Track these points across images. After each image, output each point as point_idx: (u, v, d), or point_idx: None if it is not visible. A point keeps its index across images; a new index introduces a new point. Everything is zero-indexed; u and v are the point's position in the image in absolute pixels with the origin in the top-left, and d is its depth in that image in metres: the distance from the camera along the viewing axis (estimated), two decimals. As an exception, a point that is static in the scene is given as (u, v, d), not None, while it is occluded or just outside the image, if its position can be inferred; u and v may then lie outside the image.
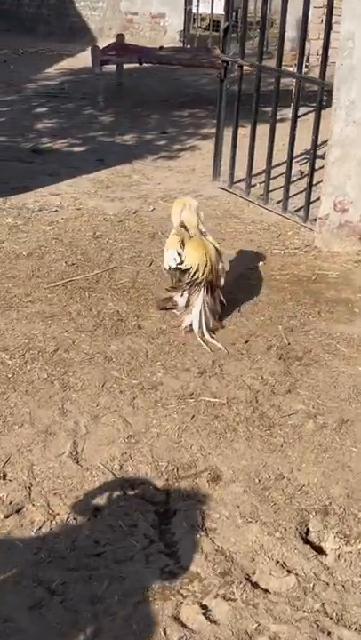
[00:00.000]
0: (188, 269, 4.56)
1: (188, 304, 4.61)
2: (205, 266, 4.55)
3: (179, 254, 4.57)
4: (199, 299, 4.56)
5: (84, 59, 12.50)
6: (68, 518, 3.25)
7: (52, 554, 3.07)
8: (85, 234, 6.06)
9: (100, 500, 3.36)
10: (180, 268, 4.58)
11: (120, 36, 11.23)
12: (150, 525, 3.23)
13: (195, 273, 4.55)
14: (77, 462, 3.57)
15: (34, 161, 8.01)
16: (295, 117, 6.44)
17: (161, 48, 10.83)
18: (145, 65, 10.56)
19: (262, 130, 6.66)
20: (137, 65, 10.53)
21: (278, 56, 6.50)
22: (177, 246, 4.60)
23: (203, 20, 15.23)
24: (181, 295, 4.64)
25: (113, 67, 11.08)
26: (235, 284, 5.25)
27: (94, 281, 5.23)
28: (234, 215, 6.63)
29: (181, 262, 4.56)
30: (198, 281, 4.54)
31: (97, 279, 5.26)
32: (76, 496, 3.38)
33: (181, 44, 14.55)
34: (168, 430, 3.81)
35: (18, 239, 5.86)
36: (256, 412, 3.96)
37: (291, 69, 7.02)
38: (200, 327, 4.56)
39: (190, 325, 4.59)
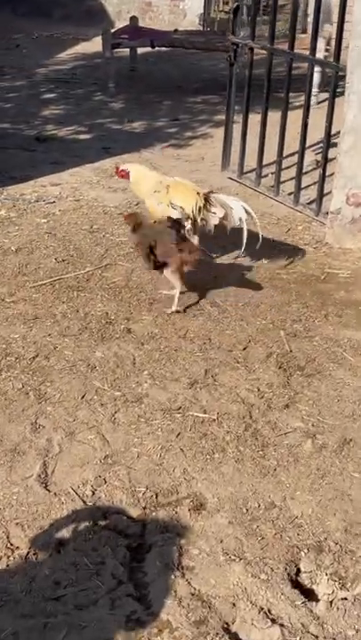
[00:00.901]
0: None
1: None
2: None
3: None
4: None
5: (99, 43, 12.00)
6: (27, 553, 2.90)
7: (4, 596, 2.71)
8: (81, 227, 5.69)
9: (66, 532, 2.99)
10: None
11: (133, 19, 10.81)
12: (120, 563, 2.87)
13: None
14: (46, 487, 3.21)
15: (37, 149, 7.64)
16: (308, 104, 6.01)
17: (175, 31, 10.41)
18: (160, 49, 10.16)
19: (275, 117, 6.24)
20: (153, 49, 10.10)
21: (290, 38, 6.07)
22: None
23: (225, 3, 14.75)
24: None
25: (127, 51, 10.68)
26: (237, 284, 4.86)
27: (84, 279, 4.86)
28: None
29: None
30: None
31: (88, 277, 4.89)
32: (41, 526, 3.02)
33: (201, 28, 14.08)
34: (150, 450, 3.44)
35: (8, 233, 5.50)
36: (249, 429, 3.58)
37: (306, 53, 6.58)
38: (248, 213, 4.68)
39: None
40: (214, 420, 3.63)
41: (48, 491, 3.19)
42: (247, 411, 3.70)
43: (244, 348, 4.22)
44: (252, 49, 6.37)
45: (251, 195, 6.43)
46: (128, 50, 10.61)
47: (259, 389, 3.86)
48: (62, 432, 3.52)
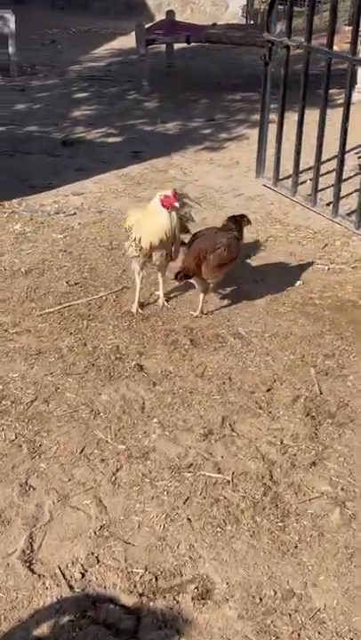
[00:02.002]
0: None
1: None
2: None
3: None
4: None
5: (136, 38, 11.65)
6: (-1, 655, 2.47)
7: None
8: (100, 244, 5.25)
9: (45, 628, 2.56)
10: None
11: (170, 13, 10.33)
12: (106, 670, 2.43)
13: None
14: (30, 566, 2.79)
15: (62, 154, 7.22)
16: (348, 103, 5.50)
17: (214, 25, 9.90)
18: (195, 44, 9.65)
19: (313, 116, 5.74)
20: (189, 45, 9.61)
21: (329, 36, 5.55)
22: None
23: (269, -7, 14.18)
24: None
25: (163, 46, 10.22)
26: (264, 311, 4.39)
27: (96, 306, 4.43)
28: (276, 219, 5.73)
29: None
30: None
31: (100, 304, 4.45)
32: (19, 618, 2.60)
33: (244, 20, 13.55)
34: (152, 519, 2.99)
35: (21, 251, 5.09)
36: (268, 493, 3.11)
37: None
38: None
39: None
40: (229, 481, 3.17)
41: (32, 571, 2.77)
42: (267, 470, 3.24)
43: (269, 390, 3.74)
44: (288, 47, 5.85)
45: (287, 205, 5.95)
46: (164, 45, 10.13)
47: (282, 442, 3.39)
48: (55, 495, 3.10)
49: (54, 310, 4.37)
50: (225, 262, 4.21)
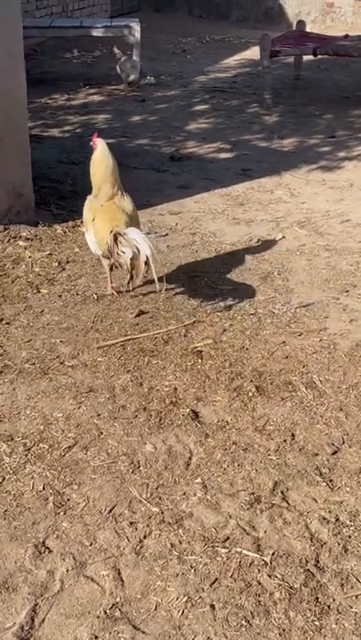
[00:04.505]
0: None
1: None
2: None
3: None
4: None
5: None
6: None
7: None
8: (184, 270, 4.93)
9: None
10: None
11: (300, 24, 9.91)
12: None
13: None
14: (24, 646, 2.48)
15: (168, 169, 6.95)
16: None
17: (346, 37, 9.40)
18: (322, 56, 9.21)
19: None
20: (316, 57, 9.17)
21: None
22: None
23: None
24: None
25: (292, 57, 9.83)
26: (346, 357, 3.95)
27: (162, 341, 4.10)
28: (384, 251, 5.24)
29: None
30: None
31: (167, 338, 4.12)
32: None
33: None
34: (172, 601, 2.63)
35: (99, 274, 4.83)
36: (309, 583, 2.69)
37: None
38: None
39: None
40: (267, 563, 2.76)
41: (25, 653, 2.46)
42: (314, 552, 2.81)
43: (334, 453, 3.31)
44: None
45: None
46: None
47: (337, 519, 2.95)
48: (71, 561, 2.78)
49: (117, 342, 4.07)
50: None
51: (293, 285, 4.74)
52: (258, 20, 14.38)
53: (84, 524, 2.94)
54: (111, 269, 4.49)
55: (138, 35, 9.72)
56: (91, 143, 4.57)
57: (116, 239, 4.16)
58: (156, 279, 4.18)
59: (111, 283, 4.55)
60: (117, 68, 9.57)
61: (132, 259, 4.12)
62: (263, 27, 13.73)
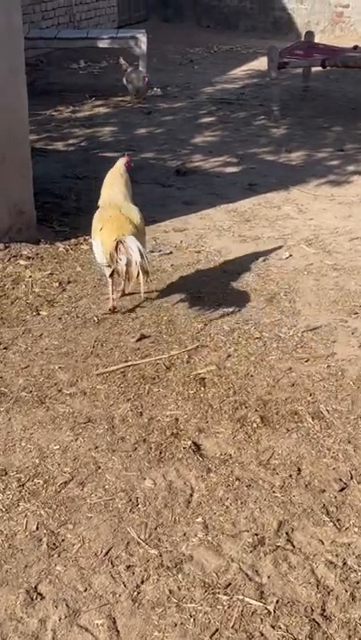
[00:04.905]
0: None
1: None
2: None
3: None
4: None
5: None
6: None
7: None
8: (187, 290, 4.79)
9: None
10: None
11: (308, 34, 9.78)
12: None
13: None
14: None
15: (173, 184, 6.82)
16: None
17: (355, 48, 9.26)
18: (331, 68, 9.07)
19: None
20: (325, 69, 9.03)
21: None
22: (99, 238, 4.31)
23: None
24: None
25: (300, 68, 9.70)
26: (355, 385, 3.81)
27: (164, 367, 3.96)
28: (394, 271, 5.10)
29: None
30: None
31: (169, 364, 3.98)
32: None
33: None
34: (169, 654, 2.48)
35: (100, 295, 4.70)
36: (314, 635, 2.54)
37: None
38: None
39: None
40: (270, 612, 2.62)
41: None
42: (320, 600, 2.66)
43: (342, 489, 3.16)
44: None
45: None
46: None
47: (345, 563, 2.81)
48: (64, 609, 2.64)
49: (118, 369, 3.93)
50: None
51: (300, 307, 4.60)
52: (266, 30, 14.26)
53: (78, 568, 2.80)
54: (112, 275, 4.36)
55: (144, 46, 9.62)
56: (125, 164, 4.66)
57: (117, 246, 4.06)
58: (142, 286, 4.13)
59: (112, 294, 4.48)
60: (124, 79, 9.46)
61: (126, 265, 4.04)
62: (272, 37, 13.62)
